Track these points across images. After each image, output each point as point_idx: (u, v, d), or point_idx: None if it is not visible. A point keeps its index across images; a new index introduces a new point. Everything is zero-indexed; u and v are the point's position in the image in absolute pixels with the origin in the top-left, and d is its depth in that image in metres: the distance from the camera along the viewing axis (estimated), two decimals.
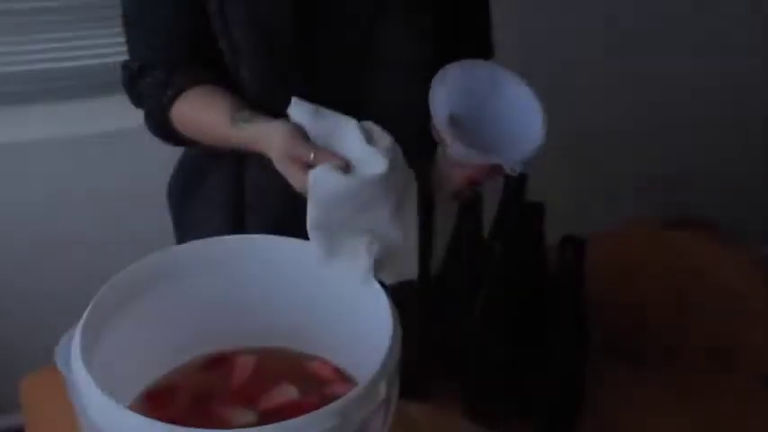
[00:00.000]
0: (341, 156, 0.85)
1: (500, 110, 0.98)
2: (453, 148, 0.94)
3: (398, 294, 0.94)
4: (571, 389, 0.99)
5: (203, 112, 1.02)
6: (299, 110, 0.90)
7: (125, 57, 1.09)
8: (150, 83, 1.04)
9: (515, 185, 0.99)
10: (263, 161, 1.05)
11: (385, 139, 0.87)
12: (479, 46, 1.16)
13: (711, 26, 2.09)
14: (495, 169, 0.96)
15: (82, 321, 0.77)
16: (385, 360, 0.73)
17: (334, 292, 0.88)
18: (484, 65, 0.96)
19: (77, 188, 1.79)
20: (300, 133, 0.89)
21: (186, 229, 1.18)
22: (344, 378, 0.90)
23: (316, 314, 0.91)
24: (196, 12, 1.02)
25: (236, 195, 1.12)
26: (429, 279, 1.00)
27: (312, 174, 0.85)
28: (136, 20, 1.05)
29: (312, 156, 0.86)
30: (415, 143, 0.93)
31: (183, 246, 0.90)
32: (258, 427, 0.66)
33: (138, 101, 1.08)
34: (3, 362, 1.78)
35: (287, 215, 1.09)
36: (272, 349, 0.93)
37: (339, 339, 0.90)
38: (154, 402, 0.87)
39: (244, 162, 1.10)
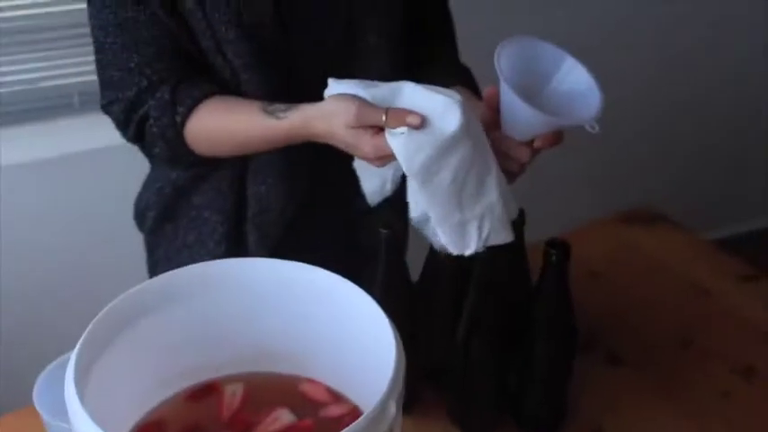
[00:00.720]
0: (414, 112, 0.82)
1: (552, 84, 0.94)
2: (528, 116, 0.88)
3: (383, 306, 0.94)
4: (557, 394, 0.99)
5: (229, 117, 0.98)
6: (342, 87, 0.88)
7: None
8: (155, 105, 0.99)
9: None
10: (263, 176, 1.03)
11: (444, 89, 0.85)
12: (444, 38, 1.16)
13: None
14: (559, 136, 0.91)
15: (73, 360, 0.73)
16: (393, 378, 0.71)
17: (321, 309, 0.86)
18: (532, 41, 0.92)
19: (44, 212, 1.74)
20: (364, 100, 0.86)
21: (170, 255, 1.14)
22: (338, 398, 0.88)
23: (304, 336, 0.88)
24: (179, 24, 0.98)
25: (233, 214, 1.08)
26: (411, 288, 0.99)
27: (390, 139, 0.83)
28: (116, 51, 0.99)
29: (384, 117, 0.83)
30: None
31: (162, 277, 0.86)
32: None
33: (138, 134, 1.02)
34: None
35: (290, 229, 1.07)
36: (261, 374, 0.90)
37: (329, 358, 0.88)
38: None
39: (243, 178, 1.06)
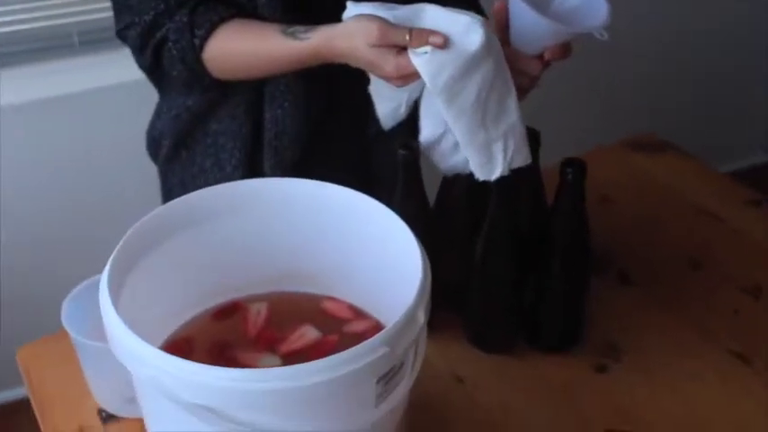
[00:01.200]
0: (438, 32, 0.83)
1: (553, 6, 0.95)
2: (538, 27, 0.89)
3: (408, 221, 0.95)
4: (574, 310, 1.01)
5: (247, 40, 0.98)
6: (362, 8, 0.89)
7: None
8: (174, 28, 0.99)
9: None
10: (280, 101, 1.04)
11: (464, 11, 0.86)
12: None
13: None
14: (568, 48, 0.93)
15: (105, 278, 0.74)
16: (420, 286, 0.73)
17: (340, 226, 0.87)
18: None
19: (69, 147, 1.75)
20: (387, 21, 0.87)
21: (185, 182, 1.14)
22: (361, 314, 0.90)
23: (323, 253, 0.90)
24: None
25: (250, 139, 1.09)
26: (428, 210, 1.01)
27: (414, 58, 0.84)
28: None
29: (408, 37, 0.84)
30: None
31: (188, 197, 0.87)
32: (309, 363, 0.66)
33: (156, 57, 1.02)
34: None
35: (306, 153, 1.08)
36: (283, 293, 0.93)
37: (349, 276, 0.90)
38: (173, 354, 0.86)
39: (259, 103, 1.07)
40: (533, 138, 0.96)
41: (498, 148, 0.90)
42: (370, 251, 0.86)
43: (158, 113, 1.16)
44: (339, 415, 0.71)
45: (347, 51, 0.89)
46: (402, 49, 0.85)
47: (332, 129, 1.11)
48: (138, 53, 1.03)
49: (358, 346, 0.67)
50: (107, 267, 0.75)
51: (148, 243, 0.82)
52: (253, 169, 1.09)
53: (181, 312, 0.90)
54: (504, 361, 1.01)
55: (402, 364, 0.73)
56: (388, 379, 0.71)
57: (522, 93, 0.93)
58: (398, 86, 0.89)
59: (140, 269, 0.81)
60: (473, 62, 0.84)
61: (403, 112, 0.98)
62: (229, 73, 1.02)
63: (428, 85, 0.85)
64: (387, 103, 0.98)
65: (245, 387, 0.65)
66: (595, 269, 1.14)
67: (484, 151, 0.90)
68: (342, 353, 0.66)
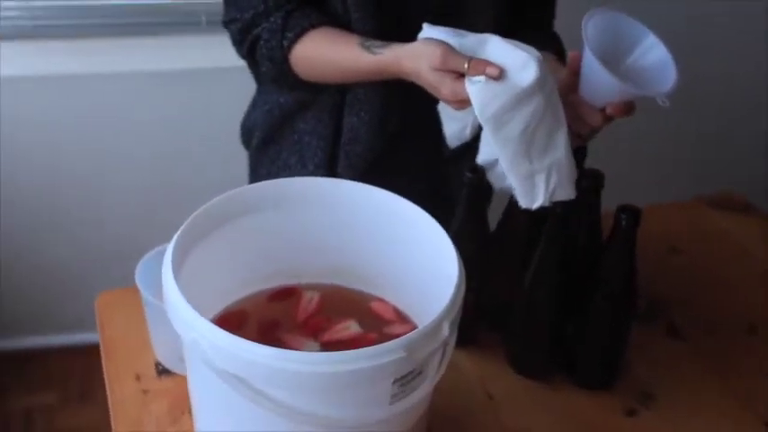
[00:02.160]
0: (494, 64, 0.89)
1: (632, 58, 0.99)
2: (605, 82, 0.93)
3: (459, 245, 1.01)
4: (610, 353, 1.04)
5: (330, 48, 1.07)
6: (434, 32, 0.96)
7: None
8: (268, 28, 1.08)
9: (577, 154, 1.03)
10: (357, 109, 1.11)
11: (527, 46, 0.92)
12: (544, 14, 1.21)
13: None
14: (631, 106, 0.96)
15: (172, 245, 0.83)
16: (450, 302, 0.78)
17: (399, 236, 0.93)
18: (618, 15, 0.97)
19: (158, 119, 1.88)
20: (451, 47, 0.93)
21: (272, 174, 1.23)
22: (404, 319, 0.96)
23: (379, 256, 0.96)
24: None
25: (331, 141, 1.17)
26: (487, 233, 1.05)
27: (469, 86, 0.90)
28: None
29: (466, 65, 0.90)
30: None
31: (259, 185, 0.95)
32: (331, 353, 0.73)
33: (250, 50, 1.12)
34: (84, 281, 1.89)
35: (377, 162, 1.15)
36: (336, 287, 0.99)
37: (400, 282, 0.96)
38: (227, 325, 0.93)
39: (342, 108, 1.15)
40: (596, 178, 1.00)
41: (541, 180, 0.94)
42: (418, 259, 0.92)
43: (254, 105, 1.25)
44: (353, 406, 0.77)
45: (412, 71, 0.96)
46: (461, 75, 0.91)
47: (406, 144, 1.17)
48: (237, 46, 1.13)
49: (378, 346, 0.73)
50: (174, 239, 0.83)
51: (214, 223, 0.90)
52: (332, 169, 1.16)
53: (241, 289, 0.98)
54: (536, 387, 1.05)
55: (422, 371, 0.78)
56: (405, 381, 0.77)
57: (579, 140, 0.98)
58: (455, 110, 0.94)
59: (206, 245, 0.89)
60: (523, 96, 0.89)
61: (468, 133, 1.03)
62: (310, 75, 1.10)
63: (476, 112, 0.90)
64: (453, 124, 1.03)
65: (271, 364, 0.72)
66: (646, 318, 1.17)
67: (526, 181, 0.94)
68: (362, 349, 0.72)
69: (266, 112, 1.21)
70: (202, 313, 0.92)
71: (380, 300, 0.98)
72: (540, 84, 0.89)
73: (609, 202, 1.03)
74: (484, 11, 1.10)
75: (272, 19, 1.08)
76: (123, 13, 1.83)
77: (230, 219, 0.92)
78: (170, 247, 0.82)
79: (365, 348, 0.73)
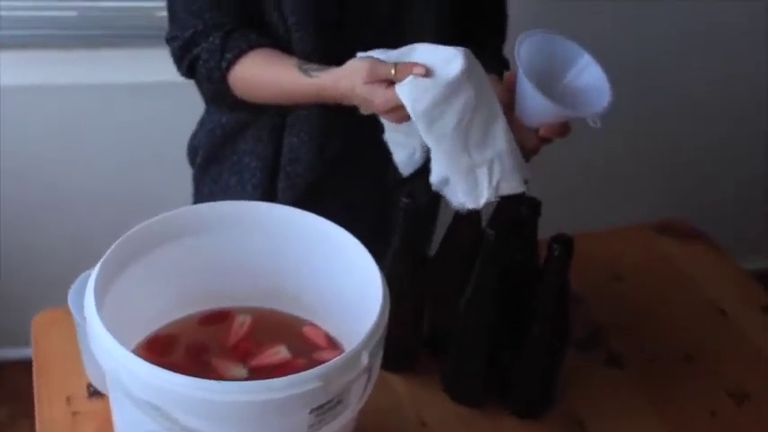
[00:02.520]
0: (420, 63, 0.90)
1: (568, 78, 1.00)
2: (538, 103, 0.94)
3: (395, 271, 1.01)
4: (546, 383, 1.04)
5: (268, 70, 1.07)
6: (366, 55, 0.97)
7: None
8: (207, 48, 1.08)
9: None
10: (297, 130, 1.10)
11: (454, 47, 0.93)
12: (495, 31, 1.21)
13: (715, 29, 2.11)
14: (565, 127, 0.98)
15: (96, 270, 0.82)
16: (370, 332, 0.78)
17: (331, 261, 0.93)
18: (553, 36, 0.99)
19: (104, 136, 1.85)
20: (377, 59, 0.95)
21: (214, 194, 1.23)
22: (334, 345, 0.95)
23: (312, 281, 0.96)
24: None
25: (270, 161, 1.17)
26: (425, 259, 1.05)
27: (398, 88, 0.91)
28: None
29: (393, 71, 0.92)
30: None
31: (193, 207, 0.95)
32: (244, 382, 0.72)
33: (190, 70, 1.12)
34: (22, 298, 1.87)
35: (319, 184, 1.15)
36: (269, 311, 0.99)
37: (332, 308, 0.96)
38: (154, 349, 0.93)
39: (282, 128, 1.15)
40: (533, 207, 1.00)
41: (483, 174, 0.95)
42: (349, 285, 0.91)
43: (200, 125, 1.25)
44: None
45: (347, 91, 0.97)
46: (391, 83, 0.92)
47: (348, 167, 1.17)
48: (178, 64, 1.13)
49: (293, 376, 0.72)
50: (98, 266, 0.83)
51: (144, 248, 0.89)
52: (271, 192, 1.16)
53: (174, 311, 0.97)
54: (470, 414, 1.05)
55: (342, 400, 0.78)
56: (323, 411, 0.76)
57: None
58: (391, 121, 0.95)
59: (136, 268, 0.89)
60: (453, 88, 0.90)
61: (418, 157, 1.03)
62: (249, 97, 1.10)
63: (409, 111, 0.90)
64: (401, 151, 1.03)
65: (185, 392, 0.72)
66: (586, 346, 1.17)
67: (468, 177, 0.95)
68: (276, 379, 0.72)
69: (209, 131, 1.20)
70: (132, 337, 0.93)
71: (313, 325, 0.97)
72: (467, 74, 0.90)
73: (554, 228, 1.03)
74: (425, 31, 1.10)
75: (210, 39, 1.08)
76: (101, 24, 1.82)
77: (161, 242, 0.91)
78: (94, 274, 0.82)
79: (280, 378, 0.72)
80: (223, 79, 1.08)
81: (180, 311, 0.97)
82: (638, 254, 1.37)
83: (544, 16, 1.92)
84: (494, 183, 0.95)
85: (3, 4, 1.70)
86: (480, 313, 1.00)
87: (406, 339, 1.09)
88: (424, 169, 1.06)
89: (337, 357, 0.75)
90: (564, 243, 0.95)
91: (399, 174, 1.07)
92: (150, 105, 1.84)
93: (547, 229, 1.24)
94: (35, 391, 1.03)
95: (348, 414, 0.80)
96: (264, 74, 1.07)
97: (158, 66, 1.65)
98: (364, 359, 0.77)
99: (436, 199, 1.05)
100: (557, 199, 2.19)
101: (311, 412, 0.75)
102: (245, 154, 1.17)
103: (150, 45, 1.79)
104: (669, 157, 2.28)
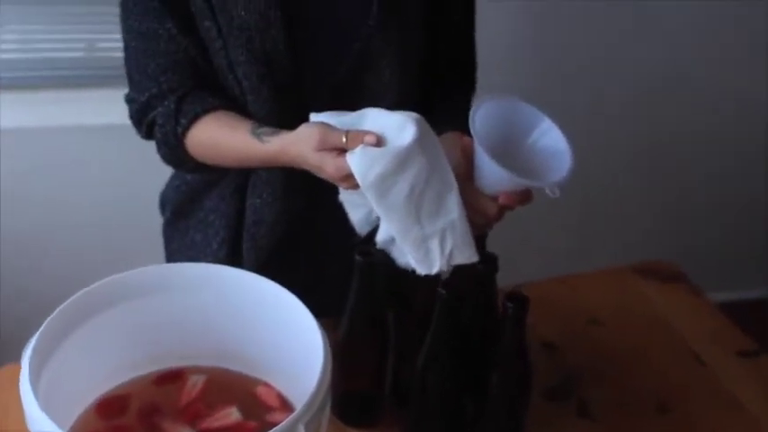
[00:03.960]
0: (371, 132, 0.89)
1: (526, 144, 0.99)
2: (495, 173, 0.93)
3: (353, 328, 1.00)
4: None
5: (223, 135, 1.06)
6: (320, 118, 0.95)
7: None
8: (162, 113, 1.07)
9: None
10: (260, 191, 1.10)
11: (407, 112, 0.91)
12: (464, 79, 1.20)
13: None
14: (526, 195, 0.97)
15: (30, 345, 0.81)
16: (307, 404, 0.77)
17: (282, 323, 0.92)
18: (511, 101, 0.98)
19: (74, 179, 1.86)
20: (328, 125, 0.93)
21: (181, 249, 1.23)
22: (287, 406, 0.94)
23: (265, 342, 0.95)
24: (195, 44, 1.06)
25: (234, 221, 1.16)
26: (383, 314, 1.04)
27: (349, 157, 0.89)
28: (137, 54, 1.08)
29: (344, 139, 0.90)
30: None
31: (137, 271, 0.94)
32: None
33: (148, 132, 1.11)
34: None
35: (284, 243, 1.14)
36: (224, 370, 0.98)
37: (285, 368, 0.95)
38: (107, 410, 0.93)
39: (245, 189, 1.14)
40: (491, 262, 0.99)
41: (435, 244, 0.93)
42: (299, 348, 0.90)
43: (170, 180, 1.25)
44: None
45: (298, 158, 0.96)
46: (343, 151, 0.91)
47: (312, 227, 1.16)
48: (136, 126, 1.12)
49: None
50: (35, 337, 0.82)
51: (85, 313, 0.89)
52: (236, 250, 1.15)
53: (130, 370, 0.97)
54: None
55: None
56: None
57: (477, 229, 0.96)
58: (345, 188, 0.94)
59: (78, 334, 0.89)
60: (404, 157, 0.88)
61: (375, 217, 1.02)
62: (208, 160, 1.09)
63: (359, 182, 0.89)
64: (357, 211, 1.02)
65: None
66: (557, 395, 1.15)
67: (420, 247, 0.94)
68: None
69: (175, 188, 1.21)
70: (85, 397, 0.93)
71: (266, 385, 0.97)
72: (419, 143, 0.88)
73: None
74: (386, 91, 1.09)
75: (166, 103, 1.07)
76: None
77: (112, 303, 0.91)
78: (29, 347, 0.81)
79: None
80: (179, 144, 1.08)
81: (138, 370, 0.97)
82: (616, 297, 1.35)
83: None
84: (446, 252, 0.94)
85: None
86: (437, 370, 0.99)
87: (367, 394, 1.08)
88: None
89: (272, 430, 0.74)
90: (518, 301, 0.93)
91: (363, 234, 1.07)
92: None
93: (520, 275, 1.24)
94: None
95: None
96: (219, 139, 1.06)
97: None
98: (300, 430, 0.76)
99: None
100: (534, 241, 2.20)
101: None
102: (211, 212, 1.17)
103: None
104: (653, 196, 2.26)
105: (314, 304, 0.90)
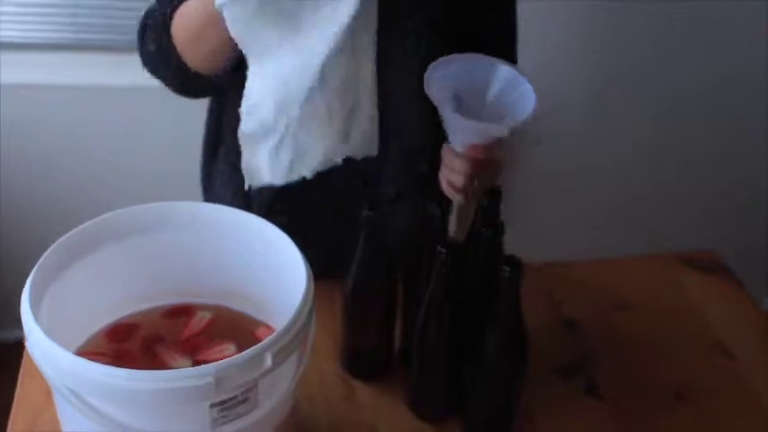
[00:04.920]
0: None
1: (491, 96, 0.99)
2: (459, 125, 0.94)
3: (360, 283, 1.02)
4: (503, 404, 1.02)
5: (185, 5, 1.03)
6: None
7: None
8: (161, 2, 1.06)
9: (488, 202, 1.03)
10: None
11: None
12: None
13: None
14: (494, 145, 0.96)
15: (33, 272, 0.86)
16: (277, 335, 0.80)
17: (278, 269, 0.95)
18: (474, 57, 0.98)
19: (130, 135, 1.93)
20: None
21: (211, 198, 1.26)
22: None
23: (264, 285, 0.98)
24: None
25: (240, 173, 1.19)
26: (392, 271, 1.06)
27: None
28: None
29: None
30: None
31: (144, 206, 0.98)
32: (144, 371, 0.75)
33: (142, 32, 1.09)
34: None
35: (279, 200, 1.17)
36: (229, 309, 1.02)
37: (282, 311, 0.98)
38: (114, 335, 0.99)
39: None
40: (495, 228, 1.00)
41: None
42: (294, 289, 0.93)
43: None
44: (176, 425, 0.80)
45: None
46: None
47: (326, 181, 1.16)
48: (139, 35, 1.10)
49: (188, 369, 0.75)
50: (35, 269, 0.87)
51: (97, 241, 0.95)
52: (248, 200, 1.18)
53: (143, 302, 1.02)
54: (426, 429, 1.05)
55: (247, 399, 0.80)
56: (226, 408, 0.79)
57: (455, 191, 0.98)
58: None
59: (93, 259, 0.95)
60: None
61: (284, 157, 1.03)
62: (181, 43, 1.05)
63: None
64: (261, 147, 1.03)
65: (96, 378, 0.76)
66: (567, 373, 1.14)
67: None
68: (174, 370, 0.75)
69: (205, 130, 1.25)
70: (95, 322, 0.99)
71: (267, 326, 1.00)
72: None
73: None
74: (409, 60, 1.07)
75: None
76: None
77: (115, 238, 0.96)
78: (28, 283, 0.85)
79: (174, 370, 0.76)
80: (167, 26, 1.04)
81: (150, 302, 1.03)
82: (650, 284, 1.32)
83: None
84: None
85: None
86: (433, 330, 1.00)
87: (373, 350, 1.11)
88: (389, 183, 1.10)
89: (236, 355, 0.77)
90: (513, 265, 0.93)
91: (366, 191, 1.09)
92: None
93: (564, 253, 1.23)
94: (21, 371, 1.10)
95: (257, 414, 0.82)
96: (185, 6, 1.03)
97: None
98: (267, 361, 0.79)
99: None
100: (577, 222, 2.15)
101: (213, 407, 0.78)
102: (221, 160, 1.21)
103: None
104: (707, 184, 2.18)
105: (317, 256, 0.92)
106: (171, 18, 1.04)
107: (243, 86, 1.00)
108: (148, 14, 1.09)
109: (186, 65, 1.07)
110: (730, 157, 2.13)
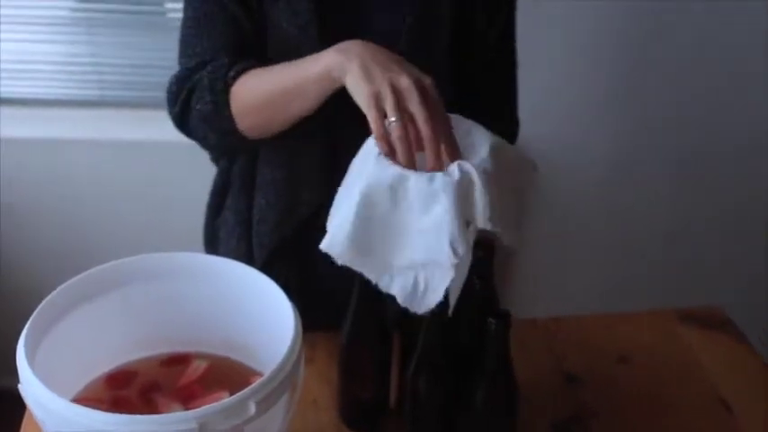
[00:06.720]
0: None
1: None
2: None
3: (355, 335, 1.04)
4: None
5: (269, 70, 1.06)
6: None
7: None
8: (214, 66, 1.09)
9: (482, 256, 1.05)
10: (264, 191, 1.15)
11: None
12: (497, 118, 1.21)
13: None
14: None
15: (30, 320, 0.90)
16: (261, 383, 0.82)
17: (270, 319, 0.97)
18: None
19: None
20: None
21: (215, 248, 1.31)
22: None
23: (261, 335, 1.01)
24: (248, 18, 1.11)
25: (247, 218, 1.22)
26: (389, 325, 1.08)
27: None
28: (197, 24, 1.12)
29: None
30: None
31: (144, 256, 1.02)
32: (133, 416, 0.78)
33: (187, 98, 1.11)
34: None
35: (286, 246, 1.20)
36: (226, 359, 1.05)
37: (275, 359, 1.00)
38: (113, 381, 1.01)
39: (252, 189, 1.20)
40: (488, 281, 1.01)
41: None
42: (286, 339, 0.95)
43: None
44: None
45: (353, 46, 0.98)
46: None
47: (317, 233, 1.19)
48: (171, 98, 1.14)
49: (172, 414, 0.78)
50: (32, 317, 0.90)
51: (96, 290, 0.98)
52: (251, 247, 1.21)
53: (141, 350, 1.05)
54: None
55: None
56: None
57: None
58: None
59: (95, 305, 0.98)
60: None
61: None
62: (247, 110, 1.08)
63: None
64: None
65: (85, 423, 0.78)
66: (567, 427, 1.15)
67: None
68: (157, 416, 0.78)
69: (213, 183, 1.29)
70: (96, 368, 1.02)
71: (261, 375, 1.01)
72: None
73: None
74: None
75: (215, 63, 1.10)
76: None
77: (120, 286, 1.00)
78: (26, 331, 0.89)
79: (161, 415, 0.78)
80: (226, 88, 1.07)
81: (149, 350, 1.05)
82: (652, 340, 1.32)
83: None
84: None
85: None
86: (426, 383, 1.01)
87: (368, 401, 1.12)
88: None
89: (219, 402, 0.79)
90: (500, 317, 0.95)
91: None
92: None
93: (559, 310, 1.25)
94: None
95: None
96: (265, 74, 1.06)
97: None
98: (251, 408, 0.81)
99: None
100: (579, 277, 2.15)
101: None
102: (227, 209, 1.24)
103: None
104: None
105: (317, 306, 0.95)
106: (234, 80, 1.07)
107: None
108: (186, 75, 1.12)
109: (236, 127, 1.09)
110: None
